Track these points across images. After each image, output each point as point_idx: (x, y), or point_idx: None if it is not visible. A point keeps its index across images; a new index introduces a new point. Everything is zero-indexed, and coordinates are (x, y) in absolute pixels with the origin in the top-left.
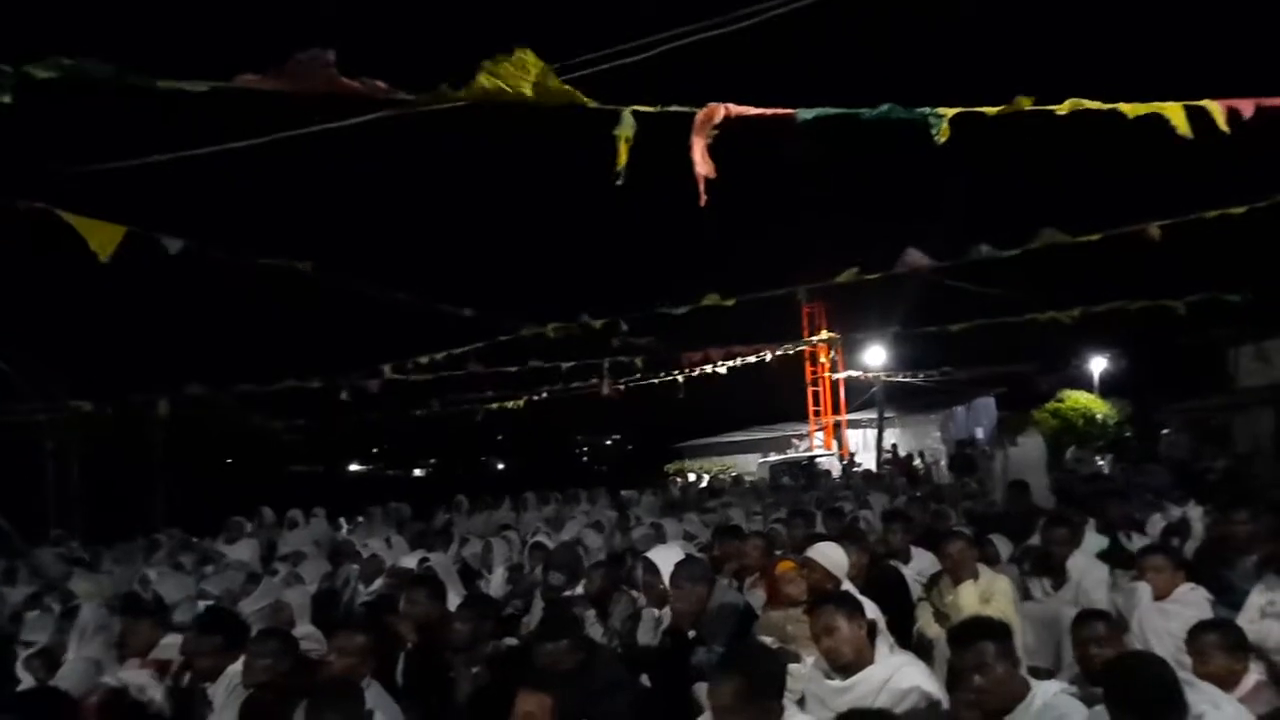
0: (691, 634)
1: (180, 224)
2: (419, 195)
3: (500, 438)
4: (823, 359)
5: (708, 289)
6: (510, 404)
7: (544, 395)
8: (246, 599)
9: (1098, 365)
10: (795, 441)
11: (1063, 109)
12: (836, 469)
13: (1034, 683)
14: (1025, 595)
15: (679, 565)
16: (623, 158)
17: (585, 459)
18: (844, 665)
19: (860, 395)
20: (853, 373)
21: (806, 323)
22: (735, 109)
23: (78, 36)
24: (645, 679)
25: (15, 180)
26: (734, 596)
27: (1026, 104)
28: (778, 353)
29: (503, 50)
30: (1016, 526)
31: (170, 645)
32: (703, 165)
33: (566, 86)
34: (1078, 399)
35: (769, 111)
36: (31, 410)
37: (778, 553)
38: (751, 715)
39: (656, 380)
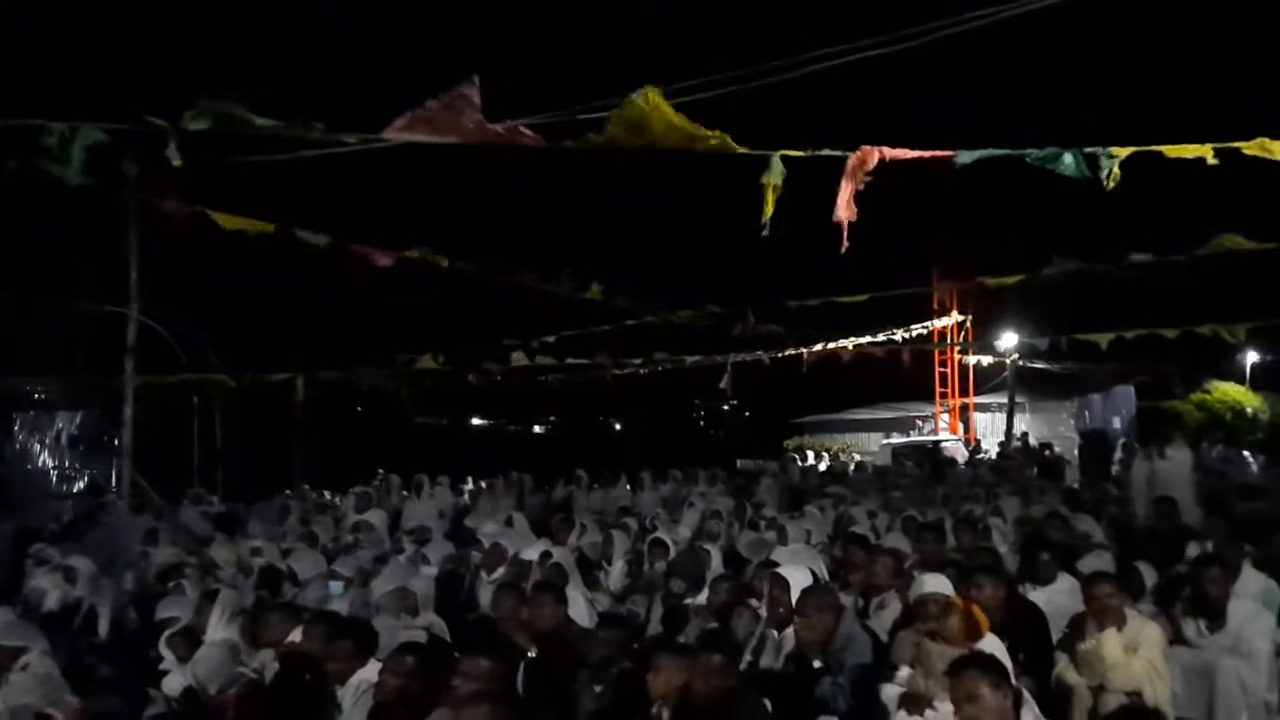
0: (817, 664)
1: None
2: (559, 184)
3: (618, 400)
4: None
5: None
6: (632, 370)
7: (665, 368)
8: (376, 579)
9: (1250, 356)
10: (919, 422)
11: (1250, 148)
12: (962, 454)
13: None
14: (1176, 635)
15: (806, 592)
16: (769, 207)
17: (701, 423)
18: None
19: (989, 376)
20: (984, 358)
21: (936, 305)
22: (890, 152)
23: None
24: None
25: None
26: (862, 633)
27: (1208, 151)
28: (907, 337)
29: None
30: (1163, 548)
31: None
32: (846, 210)
33: (717, 133)
34: (1227, 391)
35: (927, 154)
36: (178, 372)
37: (906, 566)
38: None
39: (779, 355)
